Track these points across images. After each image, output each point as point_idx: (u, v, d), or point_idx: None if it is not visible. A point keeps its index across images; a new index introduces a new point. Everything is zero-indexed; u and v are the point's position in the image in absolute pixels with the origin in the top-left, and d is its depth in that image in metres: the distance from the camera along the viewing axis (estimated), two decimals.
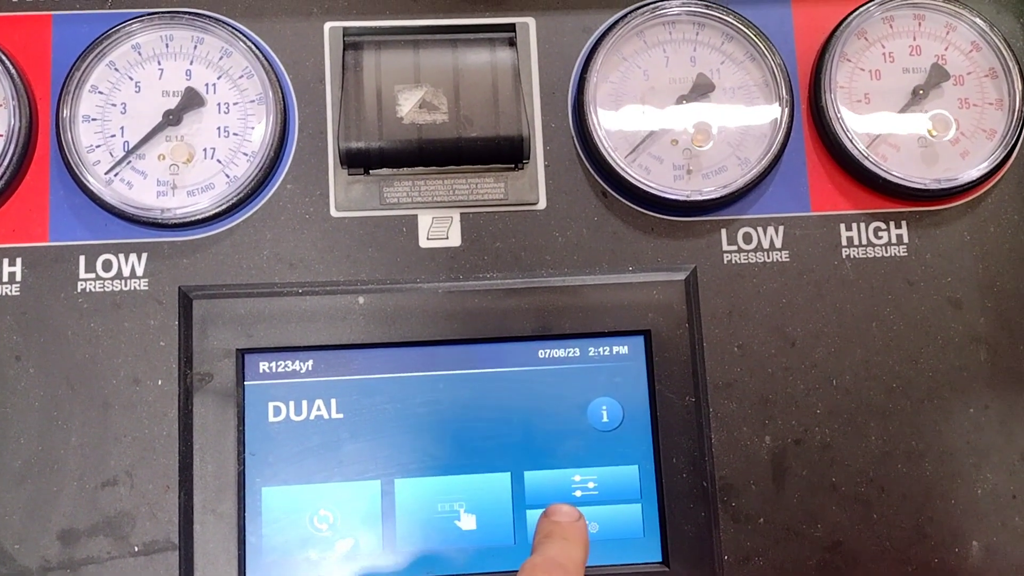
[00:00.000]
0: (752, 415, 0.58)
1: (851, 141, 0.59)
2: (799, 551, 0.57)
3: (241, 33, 0.59)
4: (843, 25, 0.61)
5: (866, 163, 0.59)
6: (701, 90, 0.60)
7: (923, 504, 0.58)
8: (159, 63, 0.59)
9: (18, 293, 0.57)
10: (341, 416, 0.57)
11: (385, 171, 0.59)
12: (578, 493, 0.57)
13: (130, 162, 0.58)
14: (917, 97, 0.61)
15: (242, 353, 0.57)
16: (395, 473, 0.56)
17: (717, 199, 0.59)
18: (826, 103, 0.60)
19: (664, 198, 0.59)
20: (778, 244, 0.60)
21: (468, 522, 0.56)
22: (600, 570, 0.56)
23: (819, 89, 0.60)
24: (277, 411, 0.57)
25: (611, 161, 0.59)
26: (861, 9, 0.61)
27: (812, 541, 0.57)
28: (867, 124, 0.61)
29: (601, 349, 0.59)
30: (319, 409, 0.57)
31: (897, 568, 0.57)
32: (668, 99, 0.60)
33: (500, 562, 0.56)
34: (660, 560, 0.56)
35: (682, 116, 0.60)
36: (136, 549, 0.55)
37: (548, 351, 0.59)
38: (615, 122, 0.60)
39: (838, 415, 0.58)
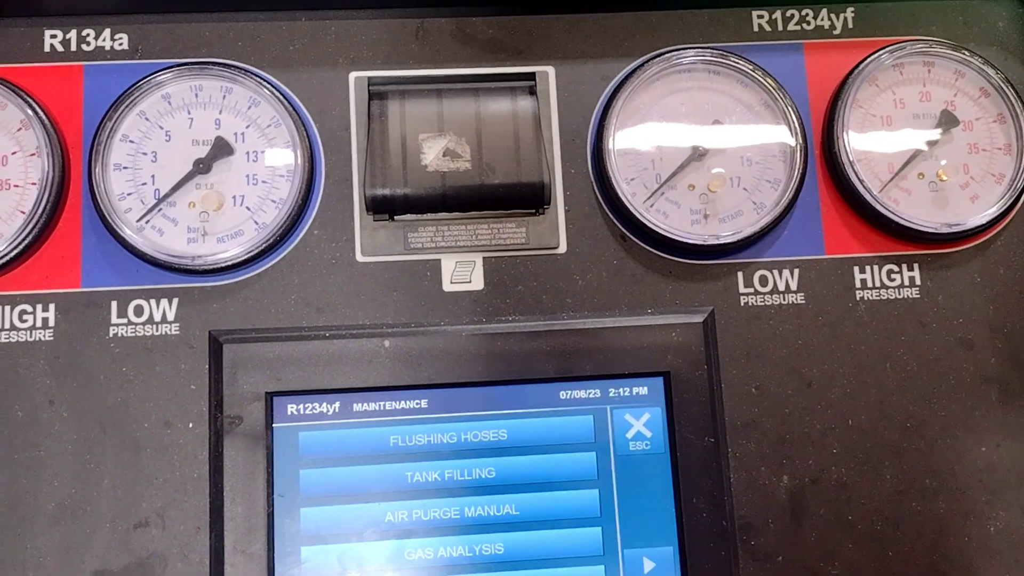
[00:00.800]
0: (770, 455, 0.59)
1: (863, 186, 0.61)
2: None
3: (268, 83, 0.61)
4: (855, 72, 0.62)
5: (878, 207, 0.61)
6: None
7: (937, 541, 0.59)
8: (189, 112, 0.60)
9: (51, 338, 0.58)
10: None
11: (410, 217, 0.60)
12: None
13: (161, 210, 0.59)
14: (929, 143, 0.63)
15: (271, 396, 0.58)
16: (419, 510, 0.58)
17: (733, 243, 0.60)
18: (839, 148, 0.62)
19: (682, 242, 0.60)
20: (793, 287, 0.61)
21: None
22: None
23: (832, 134, 0.62)
24: (305, 453, 0.58)
25: (629, 206, 0.60)
26: (872, 57, 0.63)
27: None
28: (879, 169, 0.62)
29: (621, 390, 0.60)
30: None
31: None
32: (685, 144, 0.62)
33: None
34: None
35: (698, 161, 0.61)
36: None
37: (569, 392, 0.60)
38: (632, 168, 0.61)
39: (854, 454, 0.59)
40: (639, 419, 0.60)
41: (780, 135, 0.62)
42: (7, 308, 0.58)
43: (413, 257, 0.60)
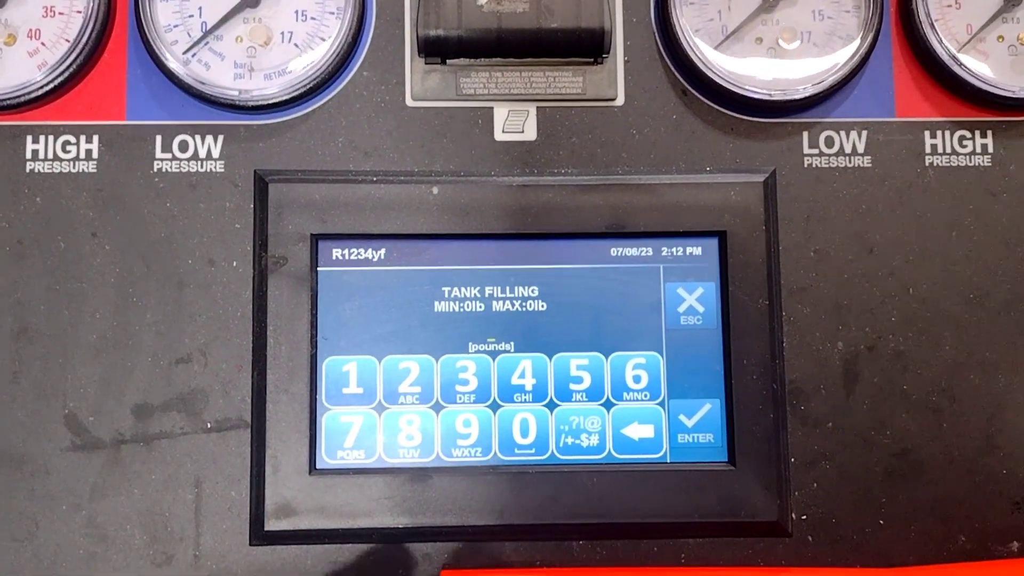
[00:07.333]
0: (825, 320, 0.57)
1: (941, 45, 0.58)
2: (866, 457, 0.57)
3: None
4: None
5: (954, 68, 0.58)
6: None
7: (994, 415, 0.57)
8: None
9: (95, 170, 0.57)
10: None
11: (462, 61, 0.58)
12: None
13: (208, 43, 0.57)
14: (1009, 3, 0.59)
15: (316, 238, 0.57)
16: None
17: (800, 100, 0.57)
18: (916, 5, 0.58)
19: (747, 97, 0.57)
20: (860, 149, 0.59)
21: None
22: (667, 467, 0.56)
23: None
24: (349, 297, 0.57)
25: (693, 58, 0.57)
26: None
27: (880, 447, 0.57)
28: (957, 29, 0.59)
29: (675, 249, 0.58)
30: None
31: (964, 477, 0.57)
32: None
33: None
34: (726, 460, 0.56)
35: (768, 13, 0.59)
36: (209, 426, 0.55)
37: (620, 249, 0.58)
38: (698, 17, 0.58)
39: (913, 323, 0.58)
40: (692, 293, 0.58)
41: None
42: (50, 138, 0.57)
43: (465, 104, 0.58)
